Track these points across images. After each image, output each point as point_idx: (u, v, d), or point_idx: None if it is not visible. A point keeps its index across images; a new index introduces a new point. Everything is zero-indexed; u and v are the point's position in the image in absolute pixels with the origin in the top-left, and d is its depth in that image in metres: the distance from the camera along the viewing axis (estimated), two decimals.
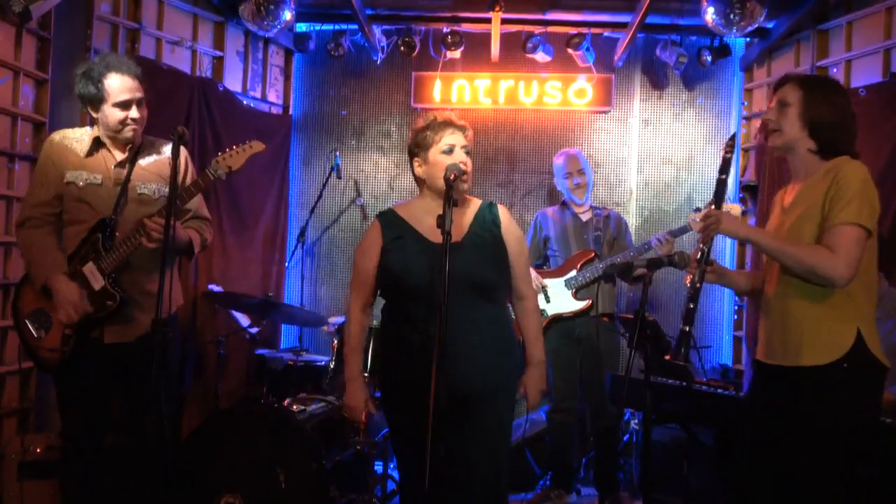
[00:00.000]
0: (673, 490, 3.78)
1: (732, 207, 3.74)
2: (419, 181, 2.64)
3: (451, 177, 2.37)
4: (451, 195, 2.31)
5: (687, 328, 2.41)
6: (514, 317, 2.75)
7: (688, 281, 2.44)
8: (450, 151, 2.54)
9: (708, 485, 3.64)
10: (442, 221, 2.25)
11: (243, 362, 4.64)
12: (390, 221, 2.65)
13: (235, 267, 4.84)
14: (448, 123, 2.57)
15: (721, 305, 5.28)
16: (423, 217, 2.58)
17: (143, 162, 2.94)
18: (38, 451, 3.34)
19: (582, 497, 4.35)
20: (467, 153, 2.57)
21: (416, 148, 2.60)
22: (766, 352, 2.43)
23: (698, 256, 2.42)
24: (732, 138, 2.53)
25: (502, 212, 2.66)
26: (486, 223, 2.61)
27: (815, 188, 2.33)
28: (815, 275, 2.23)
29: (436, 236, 2.34)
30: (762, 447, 2.40)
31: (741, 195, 5.12)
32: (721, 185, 2.50)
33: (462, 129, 2.59)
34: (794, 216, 2.36)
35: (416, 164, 2.61)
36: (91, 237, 2.80)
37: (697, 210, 3.90)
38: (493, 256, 2.59)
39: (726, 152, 2.50)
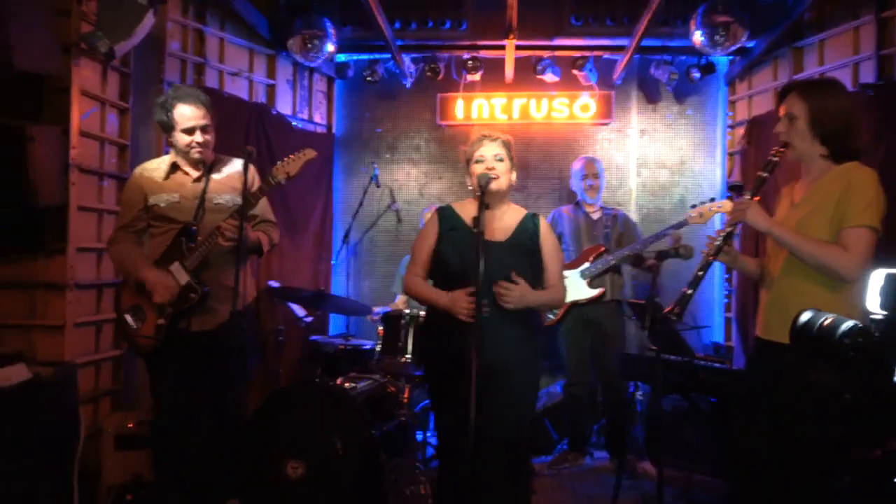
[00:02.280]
0: (677, 452, 3.80)
1: (724, 204, 3.75)
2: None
3: (485, 183, 2.44)
4: (483, 199, 2.38)
5: (690, 291, 2.37)
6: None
7: (704, 253, 2.42)
8: (480, 162, 2.63)
9: (707, 445, 3.66)
10: (475, 222, 2.30)
11: (299, 347, 4.67)
12: (447, 215, 2.73)
13: (290, 265, 4.90)
14: (480, 138, 2.67)
15: (713, 291, 5.29)
16: (473, 216, 2.63)
17: (217, 176, 3.02)
18: (131, 425, 3.42)
19: (595, 459, 4.38)
20: (500, 160, 2.63)
21: (465, 162, 2.70)
22: (764, 328, 2.39)
23: (721, 235, 2.39)
24: (784, 145, 2.36)
25: (542, 223, 2.73)
26: (528, 231, 2.68)
27: (827, 188, 2.26)
28: (829, 270, 2.18)
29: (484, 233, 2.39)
30: (759, 413, 2.35)
31: (728, 194, 5.11)
32: (761, 181, 2.37)
33: (494, 139, 2.66)
34: (804, 212, 2.30)
35: (467, 175, 2.71)
36: (176, 241, 2.88)
37: (693, 207, 3.90)
38: (529, 258, 2.65)
39: (773, 155, 2.36)
